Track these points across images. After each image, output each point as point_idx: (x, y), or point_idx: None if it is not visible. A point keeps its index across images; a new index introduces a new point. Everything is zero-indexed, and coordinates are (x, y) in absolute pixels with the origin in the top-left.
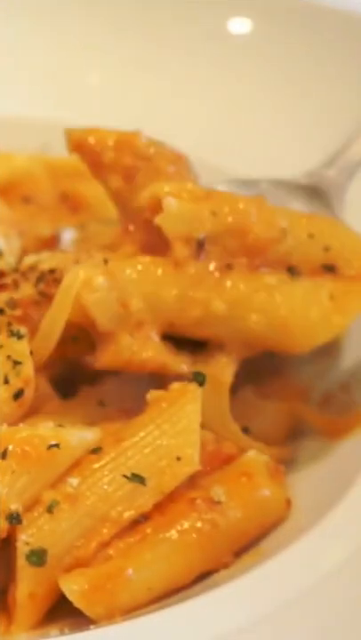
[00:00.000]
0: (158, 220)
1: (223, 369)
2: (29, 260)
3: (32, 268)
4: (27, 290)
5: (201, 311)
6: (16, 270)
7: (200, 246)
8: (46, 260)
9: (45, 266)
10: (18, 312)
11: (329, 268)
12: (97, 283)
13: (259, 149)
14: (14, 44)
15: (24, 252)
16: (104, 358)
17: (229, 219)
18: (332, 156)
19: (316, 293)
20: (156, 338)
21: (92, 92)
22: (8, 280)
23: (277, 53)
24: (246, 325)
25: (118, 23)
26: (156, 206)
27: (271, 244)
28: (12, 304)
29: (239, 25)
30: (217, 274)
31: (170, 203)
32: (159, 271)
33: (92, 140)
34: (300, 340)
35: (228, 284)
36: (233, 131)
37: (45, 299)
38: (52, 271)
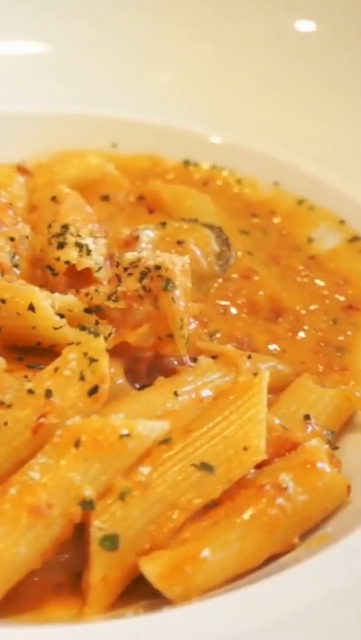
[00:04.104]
0: None
1: None
2: (130, 256)
3: (133, 264)
4: (131, 284)
5: None
6: (117, 265)
7: None
8: (150, 257)
9: (151, 262)
10: (121, 304)
11: None
12: None
13: (325, 145)
14: (83, 43)
15: (108, 251)
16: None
17: None
18: None
19: None
20: None
21: (160, 91)
22: (102, 274)
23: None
24: None
25: (188, 22)
26: None
27: None
28: (116, 297)
29: (305, 25)
30: None
31: None
32: None
33: None
34: None
35: None
36: (300, 126)
37: (149, 293)
38: (157, 267)
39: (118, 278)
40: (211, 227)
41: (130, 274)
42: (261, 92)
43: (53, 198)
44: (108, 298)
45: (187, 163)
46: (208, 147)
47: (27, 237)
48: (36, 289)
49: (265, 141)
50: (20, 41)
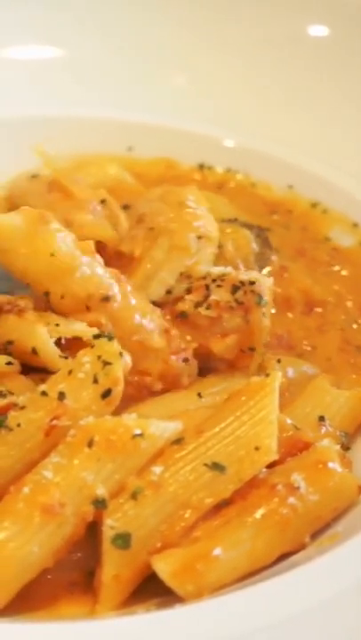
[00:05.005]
0: None
1: None
2: (218, 271)
3: (220, 277)
4: (223, 295)
5: None
6: (204, 277)
7: None
8: (240, 273)
9: (245, 277)
10: (213, 313)
11: None
12: None
13: (339, 149)
14: (98, 47)
15: None
16: None
17: None
18: None
19: None
20: None
21: (174, 95)
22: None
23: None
24: None
25: (202, 27)
26: None
27: None
28: (208, 304)
29: (318, 29)
30: None
31: None
32: None
33: None
34: None
35: None
36: (313, 130)
37: (240, 306)
38: (252, 282)
39: (207, 288)
40: (250, 226)
41: (219, 285)
42: (274, 96)
43: (102, 201)
44: (196, 306)
45: (201, 166)
46: (222, 150)
47: None
48: (40, 329)
49: (278, 145)
50: (34, 45)
